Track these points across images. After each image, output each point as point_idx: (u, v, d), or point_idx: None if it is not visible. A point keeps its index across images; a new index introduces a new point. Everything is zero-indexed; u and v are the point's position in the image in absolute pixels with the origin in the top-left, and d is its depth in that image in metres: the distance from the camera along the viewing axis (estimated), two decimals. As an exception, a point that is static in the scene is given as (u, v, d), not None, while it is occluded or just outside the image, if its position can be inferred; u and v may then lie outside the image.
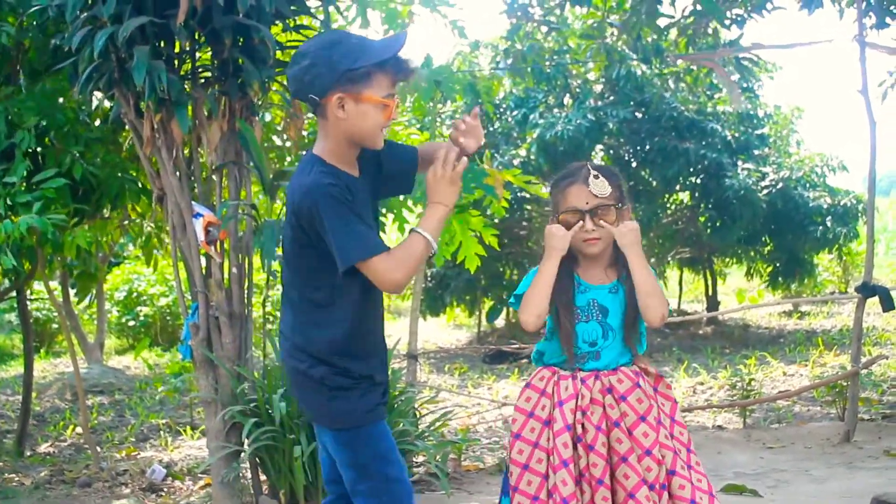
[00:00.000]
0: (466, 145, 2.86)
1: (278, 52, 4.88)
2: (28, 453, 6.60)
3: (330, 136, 2.84)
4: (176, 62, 4.82)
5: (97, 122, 5.60)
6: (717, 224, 11.74)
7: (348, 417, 2.86)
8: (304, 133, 5.42)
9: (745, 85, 11.81)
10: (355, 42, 2.83)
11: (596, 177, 3.03)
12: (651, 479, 2.98)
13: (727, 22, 7.28)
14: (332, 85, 2.74)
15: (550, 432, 3.06)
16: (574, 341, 3.06)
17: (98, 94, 5.14)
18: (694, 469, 3.09)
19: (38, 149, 5.29)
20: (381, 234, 3.20)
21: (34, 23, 5.11)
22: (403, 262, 2.76)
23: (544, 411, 3.09)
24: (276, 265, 4.72)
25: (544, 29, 7.87)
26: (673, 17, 7.59)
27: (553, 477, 3.01)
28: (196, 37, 4.73)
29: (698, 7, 7.12)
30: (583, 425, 3.01)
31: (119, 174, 5.47)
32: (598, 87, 11.81)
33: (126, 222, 6.54)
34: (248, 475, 4.99)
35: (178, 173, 4.78)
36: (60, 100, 5.38)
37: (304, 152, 5.64)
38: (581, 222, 3.02)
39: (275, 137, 6.16)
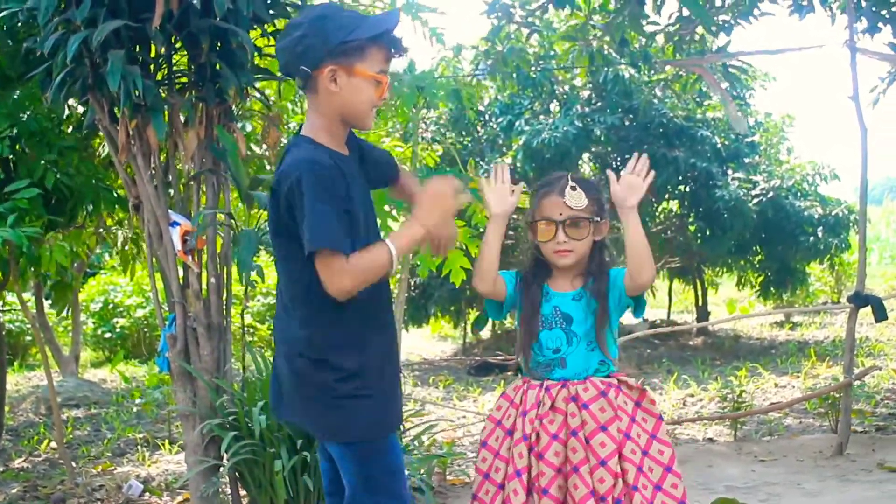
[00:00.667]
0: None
1: (256, 57, 4.79)
2: (1, 469, 6.47)
3: (320, 111, 2.77)
4: (152, 67, 4.71)
5: (70, 129, 5.48)
6: (707, 233, 11.70)
7: (357, 430, 2.74)
8: (283, 141, 5.32)
9: (734, 93, 11.78)
10: (349, 15, 2.77)
11: (573, 188, 3.07)
12: (603, 492, 2.92)
13: (714, 28, 7.21)
14: (325, 56, 2.68)
15: (511, 441, 3.06)
16: (537, 349, 3.09)
17: (71, 101, 5.01)
18: (664, 491, 3.01)
19: (10, 156, 5.16)
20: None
21: (3, 27, 4.99)
22: (359, 270, 2.63)
23: (509, 420, 3.11)
24: (254, 276, 4.63)
25: (526, 31, 7.77)
26: (658, 23, 7.52)
27: (507, 487, 3.00)
28: (172, 41, 4.63)
29: (684, 13, 7.04)
30: (538, 433, 3.00)
31: (94, 182, 5.36)
32: (586, 93, 11.74)
33: (101, 230, 6.42)
34: (228, 490, 4.91)
35: (154, 181, 4.67)
36: (31, 107, 5.25)
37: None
38: (553, 232, 3.06)
39: (254, 146, 6.06)
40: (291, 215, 2.65)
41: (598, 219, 3.11)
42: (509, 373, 10.85)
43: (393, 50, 2.77)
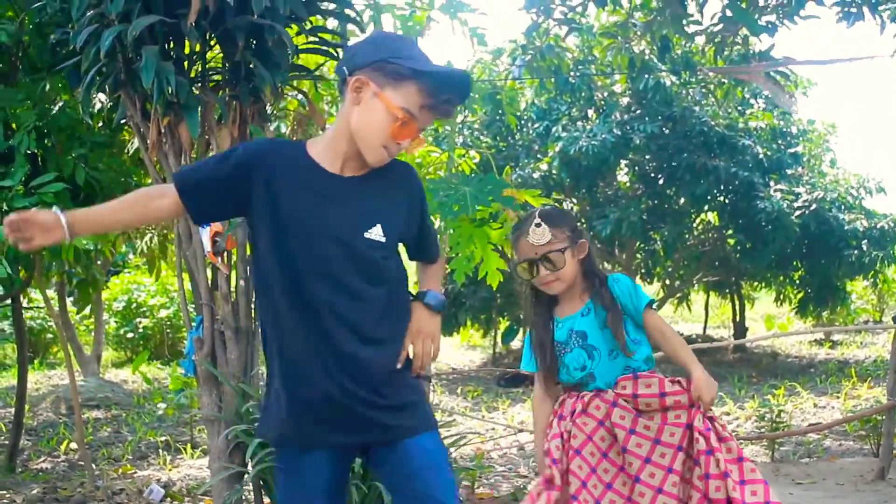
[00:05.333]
0: None
1: (294, 56, 4.69)
2: (20, 469, 6.45)
3: (338, 119, 2.65)
4: (186, 64, 4.63)
5: (100, 125, 5.41)
6: (747, 246, 11.49)
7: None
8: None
9: (775, 104, 11.60)
10: (411, 45, 2.66)
11: (538, 225, 3.20)
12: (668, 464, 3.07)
13: (758, 30, 7.05)
14: (363, 65, 2.56)
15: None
16: (565, 373, 3.23)
17: (101, 96, 4.94)
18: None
19: (39, 151, 5.10)
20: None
21: (35, 20, 4.93)
22: None
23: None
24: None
25: (565, 30, 7.64)
26: (700, 23, 7.37)
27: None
28: (207, 38, 4.55)
29: (728, 13, 6.89)
30: (574, 434, 3.15)
31: (122, 179, 5.29)
32: (625, 100, 11.58)
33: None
34: (252, 497, 4.80)
35: (185, 180, 4.57)
36: (60, 100, 5.20)
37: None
38: (534, 271, 3.21)
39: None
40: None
41: (573, 245, 3.23)
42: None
43: (432, 100, 2.58)
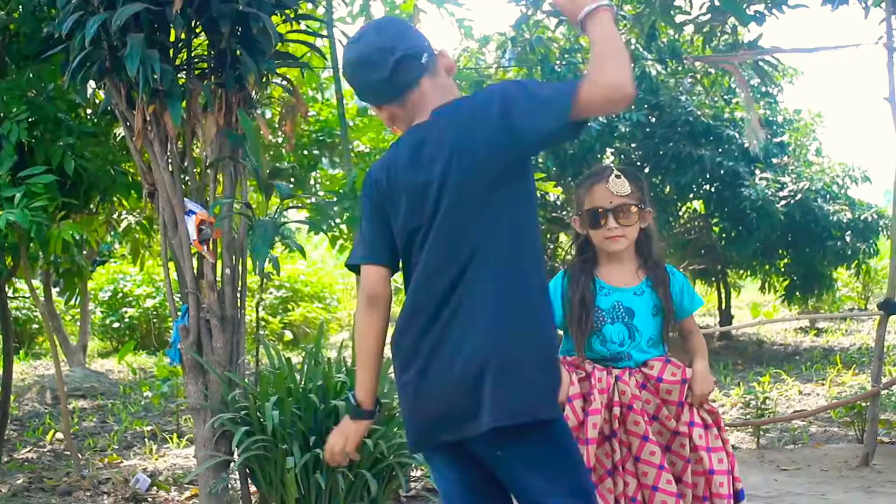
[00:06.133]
0: None
1: (278, 44, 4.68)
2: (5, 459, 6.40)
3: (443, 93, 2.61)
4: (171, 52, 4.63)
5: (87, 113, 5.40)
6: (732, 235, 11.51)
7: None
8: (304, 128, 5.22)
9: (763, 90, 11.60)
10: None
11: (618, 176, 3.16)
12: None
13: (746, 19, 7.04)
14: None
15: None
16: (599, 343, 3.16)
17: (91, 84, 4.92)
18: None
19: (27, 140, 5.07)
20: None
21: (23, 7, 4.91)
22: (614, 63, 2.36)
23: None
24: (268, 267, 4.54)
25: (554, 21, 7.64)
26: (689, 13, 7.36)
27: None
28: (192, 26, 4.55)
29: (716, 2, 6.89)
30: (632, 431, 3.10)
31: (109, 168, 5.27)
32: (611, 90, 11.54)
33: (113, 217, 6.34)
34: (238, 486, 4.82)
35: (170, 168, 4.58)
36: (46, 88, 5.17)
37: (299, 150, 5.39)
38: (604, 220, 3.14)
39: (270, 136, 5.97)
40: (524, 140, 2.44)
41: (643, 206, 3.19)
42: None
43: None
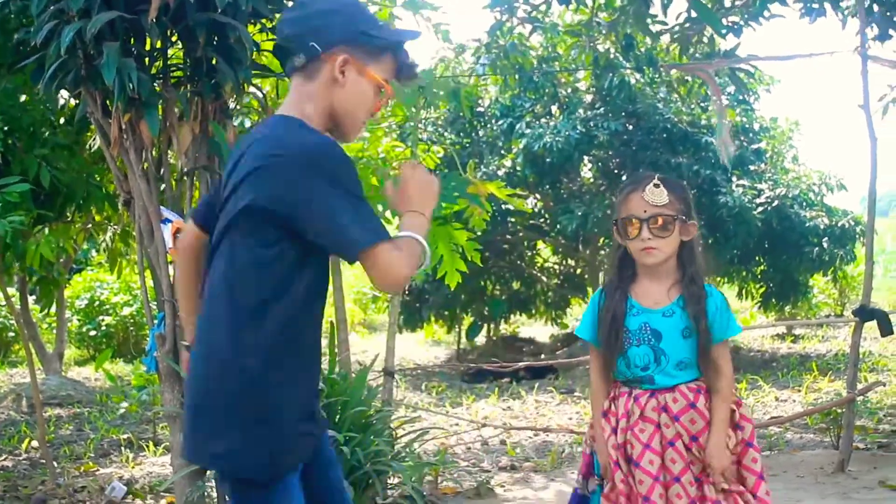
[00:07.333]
0: None
1: (255, 53, 4.69)
2: (-19, 468, 6.34)
3: (314, 101, 2.44)
4: (147, 60, 4.61)
5: (62, 122, 5.38)
6: (710, 242, 11.57)
7: None
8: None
9: (740, 97, 11.68)
10: (373, 14, 2.58)
11: (656, 185, 3.04)
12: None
13: (723, 31, 7.11)
14: (343, 41, 2.42)
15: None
16: (624, 365, 3.06)
17: (64, 93, 4.91)
18: (759, 499, 3.02)
19: (1, 151, 5.06)
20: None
21: (-3, 17, 4.89)
22: (409, 257, 2.32)
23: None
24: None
25: (529, 28, 7.68)
26: (666, 23, 7.42)
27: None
28: (168, 34, 4.54)
29: (693, 14, 6.95)
30: (630, 443, 3.00)
31: (84, 178, 5.26)
32: (589, 97, 11.62)
33: (90, 226, 6.32)
34: (214, 495, 4.79)
35: (146, 177, 4.57)
36: (23, 99, 5.15)
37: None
38: (636, 230, 3.04)
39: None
40: (291, 200, 2.29)
41: (685, 218, 3.08)
42: (504, 380, 10.74)
43: (401, 69, 2.53)
